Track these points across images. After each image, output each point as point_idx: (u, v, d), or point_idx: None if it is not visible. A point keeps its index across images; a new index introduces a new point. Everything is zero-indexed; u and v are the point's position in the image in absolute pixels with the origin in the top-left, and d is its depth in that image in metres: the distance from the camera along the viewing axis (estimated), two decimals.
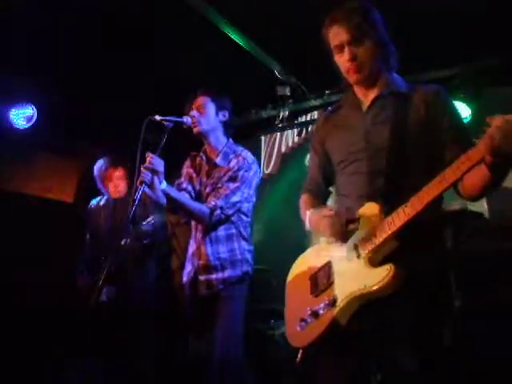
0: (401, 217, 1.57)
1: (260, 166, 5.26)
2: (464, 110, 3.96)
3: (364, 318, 1.60)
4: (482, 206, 3.85)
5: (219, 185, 2.77)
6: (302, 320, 1.76)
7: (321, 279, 1.78)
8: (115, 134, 4.59)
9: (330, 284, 1.73)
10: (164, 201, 2.71)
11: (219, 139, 2.87)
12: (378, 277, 1.57)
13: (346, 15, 1.77)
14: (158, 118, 2.52)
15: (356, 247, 1.69)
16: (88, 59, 4.02)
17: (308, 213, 1.90)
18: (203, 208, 2.67)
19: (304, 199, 2.07)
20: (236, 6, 3.46)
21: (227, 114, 2.87)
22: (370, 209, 1.69)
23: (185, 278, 2.85)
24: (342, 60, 1.80)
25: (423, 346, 1.60)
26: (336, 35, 1.79)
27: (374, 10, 1.83)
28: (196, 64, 3.72)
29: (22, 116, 4.46)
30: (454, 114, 1.79)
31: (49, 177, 4.47)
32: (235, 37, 3.75)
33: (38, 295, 4.17)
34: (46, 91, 4.34)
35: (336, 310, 1.64)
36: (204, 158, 2.92)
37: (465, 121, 1.82)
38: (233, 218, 2.77)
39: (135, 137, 2.42)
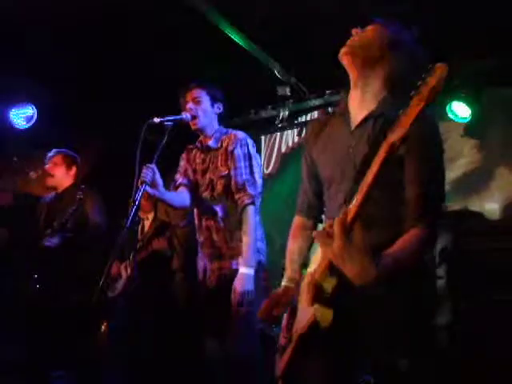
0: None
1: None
2: (464, 110, 3.97)
3: (348, 324, 1.52)
4: (481, 206, 3.86)
5: (222, 173, 2.76)
6: (279, 349, 1.74)
7: (293, 310, 1.73)
8: (115, 134, 4.60)
9: (295, 317, 1.70)
10: (166, 197, 2.70)
11: (213, 128, 2.88)
12: (306, 318, 1.52)
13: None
14: (157, 120, 2.52)
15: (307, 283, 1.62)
16: (88, 59, 4.02)
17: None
18: (251, 217, 2.65)
19: (294, 226, 1.98)
20: (236, 6, 3.46)
21: (221, 106, 2.88)
22: None
23: (200, 276, 2.83)
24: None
25: (413, 347, 1.57)
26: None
27: (399, 27, 1.71)
28: (196, 64, 3.72)
29: (21, 116, 4.46)
30: (427, 146, 1.55)
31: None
32: (235, 37, 3.75)
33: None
34: (46, 91, 4.34)
35: (290, 348, 1.63)
36: (199, 145, 2.93)
37: (436, 155, 1.59)
38: None
39: (135, 137, 2.42)
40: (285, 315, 1.80)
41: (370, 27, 1.69)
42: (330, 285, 1.49)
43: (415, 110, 1.19)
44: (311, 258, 1.79)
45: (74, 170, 3.94)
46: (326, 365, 1.64)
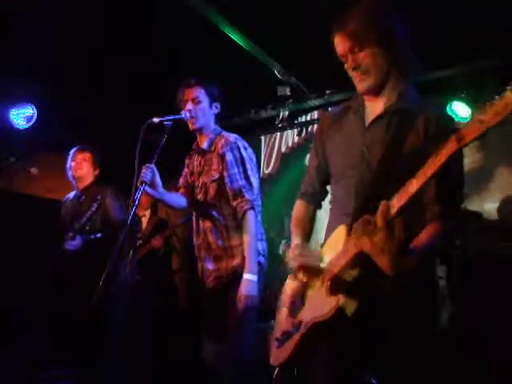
0: (351, 246, 1.49)
1: (260, 166, 5.30)
2: (464, 110, 3.97)
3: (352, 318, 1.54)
4: (481, 206, 3.86)
5: (215, 177, 2.75)
6: (278, 339, 1.77)
7: (297, 301, 1.75)
8: (115, 134, 4.61)
9: (302, 307, 1.71)
10: (166, 197, 2.70)
11: (209, 128, 2.87)
12: (327, 307, 1.53)
13: (345, 20, 1.64)
14: (156, 120, 2.51)
15: (323, 273, 1.64)
16: (88, 59, 4.03)
17: (291, 247, 1.84)
18: (252, 223, 2.63)
19: (297, 209, 1.99)
20: (236, 6, 3.46)
21: (219, 106, 2.87)
22: (340, 232, 1.61)
23: (199, 275, 2.82)
24: (348, 69, 1.69)
25: (416, 343, 1.58)
26: (338, 45, 1.67)
27: (382, 7, 1.68)
28: (196, 64, 3.72)
29: (21, 116, 4.47)
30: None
31: (49, 177, 4.48)
32: (235, 37, 3.76)
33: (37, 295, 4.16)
34: (46, 91, 4.34)
35: (299, 335, 1.65)
36: (196, 148, 2.94)
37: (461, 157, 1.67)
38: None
39: (135, 137, 2.42)
40: (285, 304, 1.81)
41: (362, 54, 1.64)
42: (351, 276, 1.53)
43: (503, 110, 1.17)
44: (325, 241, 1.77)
45: (97, 171, 3.96)
46: (337, 352, 1.65)
